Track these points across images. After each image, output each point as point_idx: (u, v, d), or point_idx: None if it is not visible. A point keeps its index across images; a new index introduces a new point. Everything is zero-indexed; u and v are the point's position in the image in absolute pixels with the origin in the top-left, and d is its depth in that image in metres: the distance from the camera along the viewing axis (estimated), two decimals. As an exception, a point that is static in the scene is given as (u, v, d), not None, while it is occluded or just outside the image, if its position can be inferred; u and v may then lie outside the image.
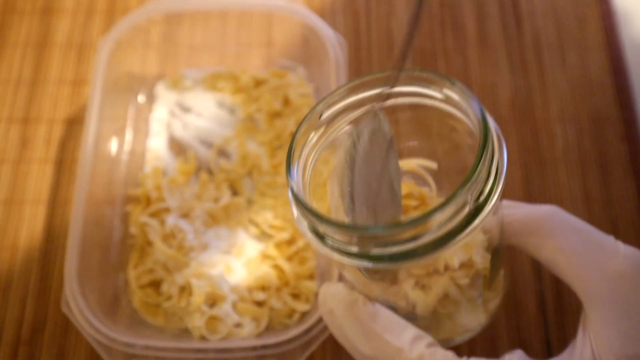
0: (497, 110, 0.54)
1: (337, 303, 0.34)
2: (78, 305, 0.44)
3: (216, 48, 0.56)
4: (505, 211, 0.38)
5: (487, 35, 0.57)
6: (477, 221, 0.28)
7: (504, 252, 0.38)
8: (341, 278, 0.37)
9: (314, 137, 0.32)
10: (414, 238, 0.28)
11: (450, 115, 0.32)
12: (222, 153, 0.53)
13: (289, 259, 0.48)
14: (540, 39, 0.57)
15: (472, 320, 0.39)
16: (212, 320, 0.46)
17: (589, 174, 0.52)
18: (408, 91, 0.32)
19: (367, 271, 0.32)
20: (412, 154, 0.36)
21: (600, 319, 0.33)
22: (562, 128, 0.54)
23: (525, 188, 0.52)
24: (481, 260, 0.34)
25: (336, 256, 0.29)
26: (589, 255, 0.35)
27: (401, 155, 0.36)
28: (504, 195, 0.33)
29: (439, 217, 0.27)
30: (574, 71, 0.56)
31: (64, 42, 0.58)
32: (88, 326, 0.43)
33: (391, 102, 0.32)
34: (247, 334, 0.46)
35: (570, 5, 0.58)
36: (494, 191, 0.29)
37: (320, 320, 0.43)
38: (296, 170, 0.31)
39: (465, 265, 0.33)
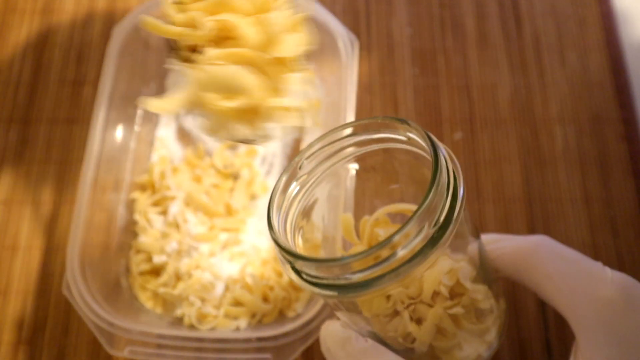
0: (497, 110, 0.54)
1: (333, 341, 0.35)
2: (79, 288, 0.44)
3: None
4: (493, 245, 0.39)
5: (487, 35, 0.57)
6: (439, 244, 0.29)
7: (497, 284, 0.38)
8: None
9: (295, 187, 0.34)
10: (376, 264, 0.29)
11: (417, 155, 0.33)
12: (230, 146, 0.53)
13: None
14: (540, 39, 0.57)
15: (470, 353, 0.39)
16: (203, 310, 0.47)
17: (589, 174, 0.52)
18: (377, 137, 0.34)
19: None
20: (396, 197, 0.38)
21: (588, 345, 0.34)
22: (562, 128, 0.54)
23: (525, 188, 0.52)
24: (470, 289, 0.35)
25: (312, 289, 0.31)
26: (577, 282, 0.35)
27: (387, 198, 0.38)
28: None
29: (396, 241, 0.28)
30: (573, 71, 0.56)
31: (64, 42, 0.58)
32: (88, 309, 0.44)
33: (365, 149, 0.35)
34: (240, 325, 0.46)
35: (570, 6, 0.58)
36: (453, 217, 0.30)
37: (317, 314, 0.43)
38: (278, 219, 0.33)
39: (456, 294, 0.34)
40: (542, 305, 0.47)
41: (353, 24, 0.58)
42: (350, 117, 0.48)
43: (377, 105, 0.55)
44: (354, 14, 0.58)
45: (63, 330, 0.48)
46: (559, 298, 0.36)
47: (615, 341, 0.34)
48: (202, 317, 0.47)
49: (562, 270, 0.36)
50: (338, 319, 0.37)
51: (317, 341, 0.45)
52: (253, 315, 0.47)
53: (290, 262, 0.31)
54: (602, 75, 0.55)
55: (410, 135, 0.33)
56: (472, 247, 0.35)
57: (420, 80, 0.56)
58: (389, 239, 0.28)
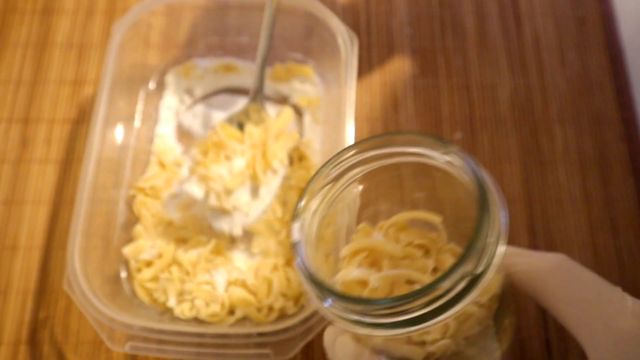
0: (497, 110, 0.54)
1: (344, 355, 0.35)
2: (79, 284, 0.44)
3: (230, 39, 0.57)
4: (510, 260, 0.38)
5: (487, 35, 0.57)
6: (481, 283, 0.28)
7: (511, 301, 0.38)
8: None
9: (317, 199, 0.34)
10: (417, 308, 0.28)
11: (450, 174, 0.33)
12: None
13: (289, 261, 0.49)
14: (540, 39, 0.57)
15: None
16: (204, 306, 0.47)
17: (588, 174, 0.52)
18: (411, 152, 0.33)
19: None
20: (419, 205, 0.37)
21: None
22: (561, 128, 0.54)
23: (525, 188, 0.52)
24: (487, 310, 0.34)
25: (341, 323, 0.30)
26: (596, 310, 0.34)
27: (410, 205, 0.38)
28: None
29: (443, 287, 0.28)
30: (573, 71, 0.56)
31: (64, 42, 0.58)
32: (89, 305, 0.44)
33: (395, 160, 0.34)
34: (240, 321, 0.46)
35: (570, 6, 0.58)
36: (495, 256, 0.29)
37: (317, 311, 0.43)
38: (303, 239, 0.32)
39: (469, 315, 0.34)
40: (542, 305, 0.47)
41: (353, 23, 0.58)
42: (350, 114, 0.48)
43: (377, 105, 0.55)
44: (354, 13, 0.59)
45: (63, 329, 0.48)
46: (577, 325, 0.35)
47: None
48: (202, 313, 0.47)
49: (580, 295, 0.35)
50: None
51: (317, 337, 0.45)
52: (254, 311, 0.47)
53: (319, 296, 0.30)
54: (602, 76, 0.55)
55: (450, 160, 0.32)
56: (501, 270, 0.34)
57: (420, 80, 0.56)
58: (434, 284, 0.27)
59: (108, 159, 0.50)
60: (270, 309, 0.47)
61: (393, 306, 0.28)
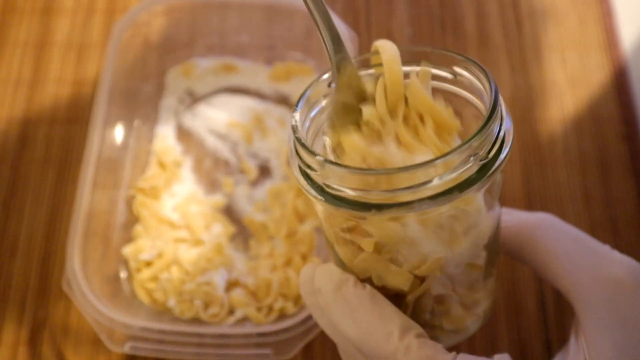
0: (497, 110, 0.54)
1: (326, 282, 0.33)
2: (79, 284, 0.44)
3: (230, 39, 0.57)
4: None
5: (487, 35, 0.57)
6: (483, 180, 0.28)
7: (498, 255, 0.37)
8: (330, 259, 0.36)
9: (322, 101, 0.34)
10: (419, 185, 0.28)
11: (461, 97, 0.33)
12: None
13: (288, 261, 0.49)
14: (540, 39, 0.57)
15: (458, 321, 0.37)
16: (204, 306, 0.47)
17: (589, 174, 0.52)
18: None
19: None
20: None
21: (594, 327, 0.33)
22: (562, 128, 0.54)
23: (525, 188, 0.52)
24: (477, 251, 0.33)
25: (333, 207, 0.29)
26: (584, 261, 0.34)
27: None
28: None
29: (443, 163, 0.28)
30: (574, 71, 0.56)
31: (64, 42, 0.58)
32: (88, 305, 0.44)
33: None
34: (240, 321, 0.47)
35: (570, 5, 0.58)
36: (500, 154, 0.29)
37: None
38: (303, 117, 0.32)
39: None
40: (542, 305, 0.47)
41: (353, 23, 0.58)
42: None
43: (377, 105, 0.55)
44: (354, 13, 0.59)
45: (63, 329, 0.48)
46: (563, 276, 0.34)
47: (622, 325, 0.32)
48: (202, 313, 0.47)
49: (567, 247, 0.35)
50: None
51: (318, 337, 0.45)
52: (253, 311, 0.47)
53: (306, 167, 0.30)
54: (602, 75, 0.55)
55: (460, 71, 0.32)
56: (496, 211, 0.33)
57: (420, 80, 0.56)
58: (436, 158, 0.27)
59: (108, 159, 0.50)
60: (270, 309, 0.47)
61: (401, 170, 0.27)
